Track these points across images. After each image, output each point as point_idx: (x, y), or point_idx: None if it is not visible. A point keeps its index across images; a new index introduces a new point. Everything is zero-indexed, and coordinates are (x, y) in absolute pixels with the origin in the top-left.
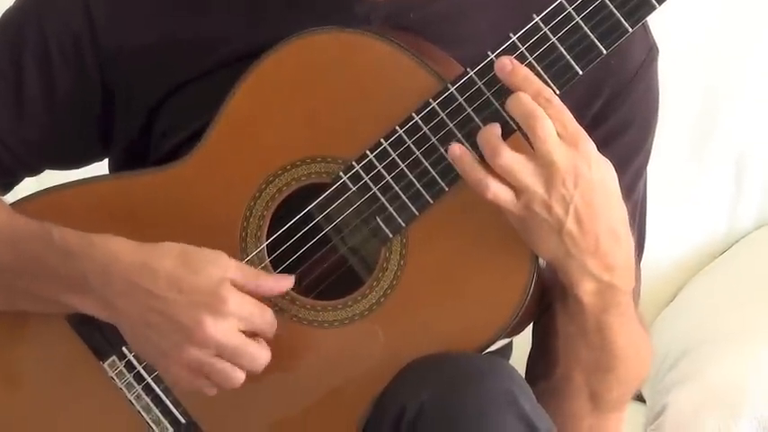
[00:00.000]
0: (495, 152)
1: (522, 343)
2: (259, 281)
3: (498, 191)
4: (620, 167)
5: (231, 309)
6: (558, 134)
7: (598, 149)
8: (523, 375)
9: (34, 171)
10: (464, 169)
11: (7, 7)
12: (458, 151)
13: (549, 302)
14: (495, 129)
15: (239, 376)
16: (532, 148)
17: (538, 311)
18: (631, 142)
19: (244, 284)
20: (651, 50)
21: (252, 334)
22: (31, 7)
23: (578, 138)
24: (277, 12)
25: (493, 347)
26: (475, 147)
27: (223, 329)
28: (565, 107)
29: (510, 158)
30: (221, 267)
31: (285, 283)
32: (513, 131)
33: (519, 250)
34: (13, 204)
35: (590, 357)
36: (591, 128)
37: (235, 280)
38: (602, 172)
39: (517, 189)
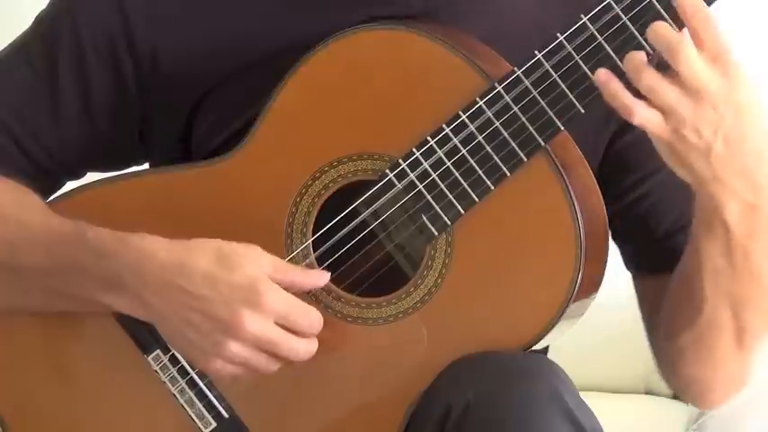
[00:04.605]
0: (638, 72)
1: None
2: (293, 277)
3: (645, 114)
4: None
5: (268, 303)
6: (709, 57)
7: None
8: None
9: (75, 174)
10: (610, 94)
11: (12, 11)
12: (603, 77)
13: (690, 242)
14: (640, 54)
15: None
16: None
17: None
18: None
19: (278, 281)
20: None
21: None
22: (64, 8)
23: (729, 62)
24: (314, 4)
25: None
26: (522, 146)
27: (261, 323)
28: (719, 32)
29: (654, 79)
30: (257, 264)
31: (318, 279)
32: (559, 130)
33: (564, 247)
34: (56, 199)
35: (738, 289)
36: None
37: (269, 275)
38: (750, 95)
39: (665, 113)
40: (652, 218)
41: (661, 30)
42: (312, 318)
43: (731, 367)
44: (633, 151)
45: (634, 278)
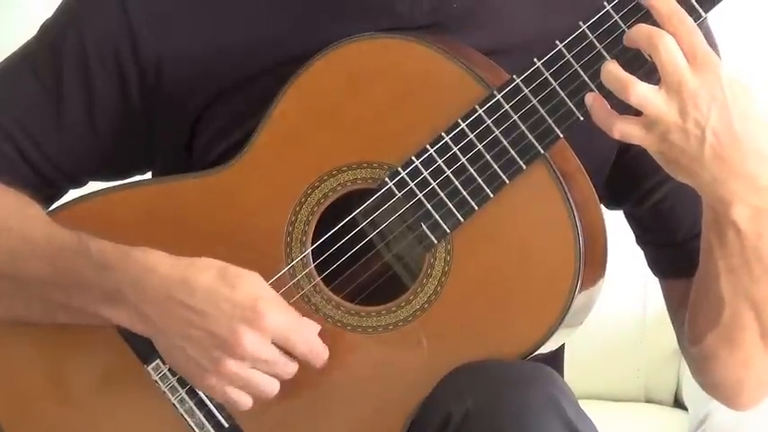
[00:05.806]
0: (625, 87)
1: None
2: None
3: (622, 127)
4: None
5: (268, 323)
6: (687, 57)
7: None
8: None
9: (78, 183)
10: (594, 114)
11: (16, 13)
12: (590, 100)
13: (704, 245)
14: (618, 66)
15: (274, 388)
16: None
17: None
18: None
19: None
20: None
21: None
22: (69, 16)
23: (708, 60)
24: (318, 16)
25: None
26: (521, 154)
27: (259, 343)
28: (697, 30)
29: (642, 90)
30: (259, 283)
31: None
32: (558, 138)
33: (563, 254)
34: (56, 209)
35: (755, 289)
36: None
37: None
38: (737, 93)
39: (652, 120)
40: (670, 223)
41: (643, 27)
42: (310, 341)
43: (760, 367)
44: (647, 158)
45: (660, 282)
